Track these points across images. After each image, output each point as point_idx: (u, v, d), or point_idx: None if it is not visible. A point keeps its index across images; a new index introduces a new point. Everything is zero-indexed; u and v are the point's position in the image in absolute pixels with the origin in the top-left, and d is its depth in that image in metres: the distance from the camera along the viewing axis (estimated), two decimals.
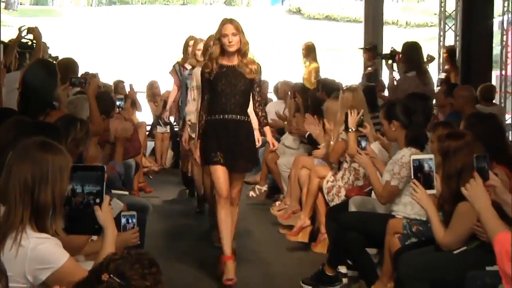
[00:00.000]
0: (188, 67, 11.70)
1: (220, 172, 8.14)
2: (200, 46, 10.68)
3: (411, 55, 13.13)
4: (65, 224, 4.32)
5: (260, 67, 8.54)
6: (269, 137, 8.66)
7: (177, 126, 14.52)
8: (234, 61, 8.16)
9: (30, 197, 4.04)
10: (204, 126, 8.42)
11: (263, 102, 9.24)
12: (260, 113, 8.55)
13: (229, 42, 7.92)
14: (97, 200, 4.30)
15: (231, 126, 8.24)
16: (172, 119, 15.00)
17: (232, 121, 8.23)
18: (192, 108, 10.23)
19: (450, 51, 14.66)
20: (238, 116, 8.24)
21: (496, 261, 4.56)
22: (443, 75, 16.24)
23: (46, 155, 4.19)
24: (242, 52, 8.14)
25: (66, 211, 4.31)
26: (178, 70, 12.54)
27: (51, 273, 4.01)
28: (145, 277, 3.42)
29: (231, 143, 8.20)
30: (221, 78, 8.14)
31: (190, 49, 11.71)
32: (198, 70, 9.53)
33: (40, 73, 8.25)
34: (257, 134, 9.18)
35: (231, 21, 8.15)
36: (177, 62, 12.88)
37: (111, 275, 3.32)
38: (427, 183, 6.37)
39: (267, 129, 8.63)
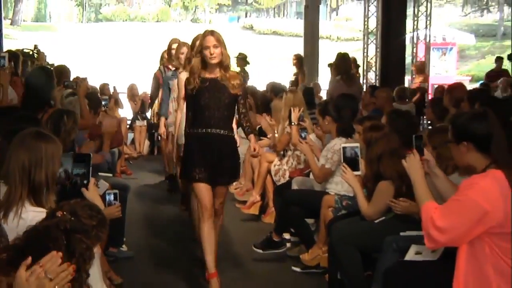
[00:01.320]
0: (172, 68, 10.56)
1: (202, 187, 6.82)
2: (183, 49, 9.30)
3: (339, 63, 13.37)
4: (58, 200, 4.32)
5: (242, 79, 7.49)
6: (252, 143, 7.17)
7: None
8: (216, 73, 6.84)
9: (27, 178, 4.05)
10: (187, 139, 7.12)
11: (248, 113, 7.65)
12: (244, 124, 7.20)
13: (211, 54, 6.68)
14: (85, 181, 4.31)
15: (215, 141, 6.89)
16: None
17: (216, 136, 6.87)
18: (173, 119, 8.89)
19: (299, 58, 14.70)
20: (222, 131, 6.89)
21: (421, 224, 4.52)
22: (293, 78, 16.27)
23: (40, 143, 4.22)
24: (224, 65, 6.86)
25: (59, 189, 4.32)
26: (162, 71, 11.43)
27: None
28: (92, 218, 3.55)
29: (215, 159, 6.84)
30: (204, 92, 6.82)
31: (173, 51, 10.24)
32: (181, 81, 7.99)
33: (40, 77, 8.28)
34: (237, 136, 7.92)
35: (212, 32, 6.87)
36: (162, 64, 11.70)
37: (64, 212, 3.44)
38: (354, 166, 6.46)
39: (251, 137, 7.19)
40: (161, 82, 11.31)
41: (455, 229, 4.38)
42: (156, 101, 12.28)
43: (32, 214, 4.01)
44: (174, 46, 10.16)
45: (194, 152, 6.87)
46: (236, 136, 7.81)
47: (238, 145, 7.49)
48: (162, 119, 10.01)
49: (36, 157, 4.17)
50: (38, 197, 4.05)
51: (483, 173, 4.51)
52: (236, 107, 7.08)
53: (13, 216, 3.92)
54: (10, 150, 4.25)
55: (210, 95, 6.81)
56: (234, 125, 7.78)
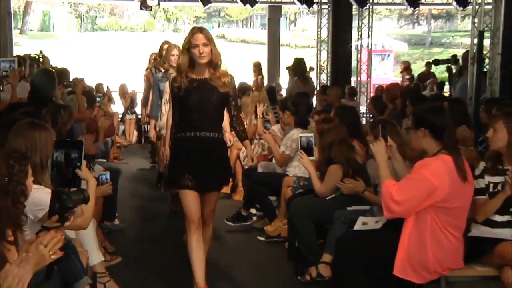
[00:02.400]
0: (163, 70, 8.99)
1: (190, 196, 5.53)
2: (175, 51, 8.06)
3: (296, 66, 13.44)
4: (55, 181, 4.30)
5: (233, 79, 5.90)
6: (249, 152, 6.08)
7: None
8: (205, 74, 5.48)
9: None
10: (174, 144, 5.74)
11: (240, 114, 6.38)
12: (238, 128, 5.86)
13: (200, 54, 5.32)
14: (78, 164, 4.27)
15: (204, 145, 5.53)
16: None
17: (204, 139, 5.51)
18: (165, 122, 7.43)
19: (258, 65, 14.65)
20: (211, 134, 5.54)
21: (381, 199, 4.65)
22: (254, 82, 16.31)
23: (34, 131, 4.21)
24: (213, 64, 5.46)
25: (56, 171, 4.29)
26: (154, 72, 9.57)
27: (44, 213, 3.95)
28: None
29: (203, 164, 5.51)
30: (192, 93, 5.45)
31: (164, 52, 8.82)
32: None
33: (44, 78, 8.21)
34: (227, 135, 7.26)
35: (201, 30, 5.50)
36: (154, 66, 10.03)
37: None
38: (309, 152, 6.48)
39: (246, 143, 6.02)
40: (152, 83, 9.64)
41: (409, 202, 4.50)
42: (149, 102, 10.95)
43: (32, 190, 3.97)
44: (165, 47, 8.92)
45: (182, 158, 5.55)
46: (227, 135, 7.39)
47: (230, 143, 6.90)
48: (152, 122, 8.53)
49: (31, 143, 4.14)
50: (34, 176, 3.99)
51: (434, 157, 4.61)
52: (227, 108, 5.75)
53: None
54: (9, 137, 4.21)
55: (198, 96, 5.45)
56: (227, 125, 6.66)
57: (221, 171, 5.66)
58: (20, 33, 39.20)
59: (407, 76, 17.77)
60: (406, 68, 18.52)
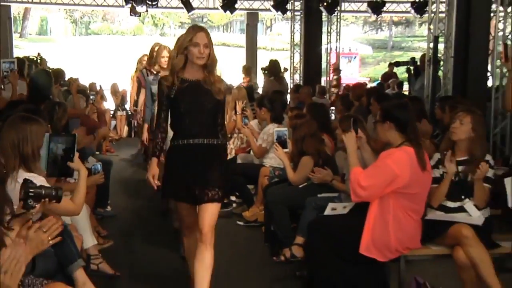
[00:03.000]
0: (154, 72, 8.08)
1: (186, 209, 4.76)
2: (165, 53, 7.32)
3: (271, 67, 13.44)
4: (50, 170, 4.28)
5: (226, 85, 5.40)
6: None
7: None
8: (199, 75, 4.67)
9: (17, 151, 3.97)
10: (168, 153, 4.83)
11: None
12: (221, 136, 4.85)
13: (200, 54, 4.55)
14: (71, 155, 4.24)
15: (199, 152, 4.66)
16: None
17: (199, 146, 4.65)
18: None
19: (246, 68, 14.50)
20: (206, 140, 4.66)
21: (349, 183, 4.72)
22: (245, 83, 16.28)
23: (25, 125, 4.13)
24: (209, 67, 4.68)
25: (51, 162, 4.27)
26: (144, 74, 8.47)
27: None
28: None
29: (200, 172, 4.63)
30: (184, 96, 4.60)
31: (162, 60, 7.71)
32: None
33: (42, 78, 8.19)
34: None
35: (203, 29, 4.75)
36: (144, 67, 8.92)
37: None
38: (284, 145, 6.49)
39: None
40: (143, 85, 8.74)
41: (373, 187, 4.56)
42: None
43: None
44: (156, 49, 8.00)
45: (177, 168, 4.68)
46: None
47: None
48: (146, 125, 7.54)
49: (23, 135, 4.08)
50: (27, 165, 3.97)
51: (398, 148, 4.66)
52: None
53: (11, 180, 3.82)
54: (3, 130, 4.17)
55: (191, 99, 4.60)
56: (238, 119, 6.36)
57: (219, 179, 4.68)
58: (19, 36, 38.88)
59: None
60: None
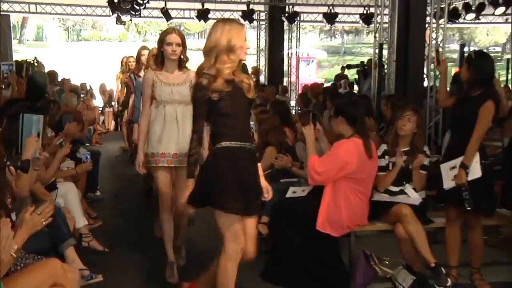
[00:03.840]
0: (142, 74, 7.12)
1: (239, 224, 3.70)
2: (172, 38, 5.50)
3: (242, 69, 13.34)
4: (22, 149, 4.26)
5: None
6: (261, 175, 4.15)
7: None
8: (233, 76, 3.71)
9: None
10: (214, 155, 3.69)
11: None
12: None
13: (245, 53, 3.75)
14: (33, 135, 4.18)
15: (247, 157, 3.75)
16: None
17: (246, 151, 3.75)
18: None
19: (256, 70, 14.58)
20: (248, 144, 3.76)
21: (307, 169, 4.76)
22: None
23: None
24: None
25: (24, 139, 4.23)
26: (133, 79, 7.68)
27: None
28: None
29: (249, 183, 3.73)
30: (229, 97, 3.65)
31: (142, 58, 7.37)
32: (148, 80, 4.87)
33: (38, 78, 8.10)
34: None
35: (241, 27, 3.79)
36: (133, 72, 8.03)
37: None
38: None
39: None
40: (132, 90, 7.80)
41: (327, 173, 4.61)
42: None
43: None
44: (143, 52, 7.42)
45: (227, 174, 3.62)
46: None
47: None
48: (136, 126, 6.49)
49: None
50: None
51: (348, 139, 4.70)
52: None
53: None
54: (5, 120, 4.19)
55: (232, 100, 3.66)
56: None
57: (260, 192, 3.87)
58: (18, 42, 38.30)
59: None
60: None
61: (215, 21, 4.22)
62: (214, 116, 3.69)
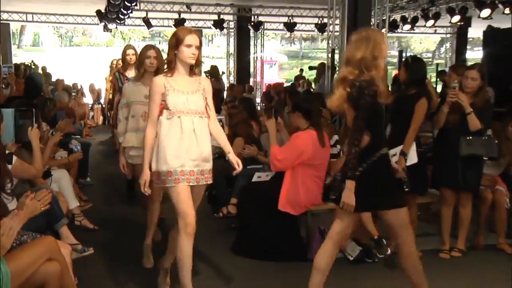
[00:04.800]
0: (131, 74, 6.07)
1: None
2: (151, 53, 4.59)
3: (212, 71, 13.35)
4: (17, 138, 4.30)
5: None
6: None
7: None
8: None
9: None
10: (379, 163, 3.26)
11: None
12: None
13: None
14: (31, 127, 4.16)
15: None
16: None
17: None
18: (122, 129, 4.59)
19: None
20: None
21: (270, 158, 4.78)
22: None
23: None
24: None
25: (17, 130, 4.22)
26: (118, 78, 6.55)
27: (11, 167, 3.83)
28: None
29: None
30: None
31: (127, 57, 6.23)
32: (130, 86, 4.54)
33: (35, 79, 7.93)
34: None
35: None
36: (118, 71, 6.95)
37: None
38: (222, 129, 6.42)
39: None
40: (116, 89, 6.84)
41: (286, 160, 4.64)
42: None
43: None
44: (129, 52, 6.33)
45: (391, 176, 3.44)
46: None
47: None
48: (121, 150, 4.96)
49: None
50: None
51: (304, 131, 4.73)
52: None
53: None
54: None
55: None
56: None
57: None
58: (17, 47, 37.46)
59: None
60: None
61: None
62: (376, 120, 3.27)
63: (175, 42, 3.52)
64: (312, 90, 12.98)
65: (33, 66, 13.45)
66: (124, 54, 6.41)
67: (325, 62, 10.91)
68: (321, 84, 11.65)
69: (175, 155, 3.47)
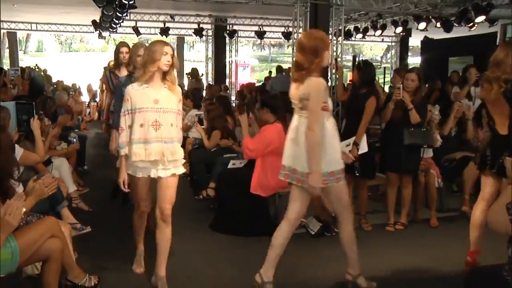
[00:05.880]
0: (123, 73, 4.70)
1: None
2: (141, 52, 3.81)
3: (193, 73, 13.24)
4: (19, 128, 4.18)
5: None
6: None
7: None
8: None
9: None
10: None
11: None
12: None
13: None
14: (31, 118, 4.07)
15: None
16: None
17: None
18: (125, 139, 3.24)
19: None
20: None
21: (242, 147, 4.75)
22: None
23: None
24: None
25: (20, 121, 4.13)
26: (108, 77, 5.23)
27: (19, 157, 3.75)
28: None
29: None
30: None
31: (120, 55, 4.94)
32: (135, 89, 3.18)
33: (38, 79, 7.77)
34: None
35: None
36: (108, 69, 5.70)
37: None
38: (201, 123, 6.39)
39: None
40: (107, 89, 5.83)
41: (257, 150, 4.62)
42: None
43: None
44: (123, 50, 4.92)
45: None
46: None
47: None
48: (115, 133, 4.08)
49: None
50: None
51: (272, 124, 4.74)
52: None
53: None
54: None
55: None
56: None
57: None
58: (23, 53, 36.58)
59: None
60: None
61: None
62: None
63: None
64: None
65: (37, 69, 13.15)
66: (117, 51, 5.05)
67: (272, 69, 10.95)
68: (271, 84, 11.75)
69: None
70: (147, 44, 3.44)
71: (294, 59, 11.02)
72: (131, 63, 4.06)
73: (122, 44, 5.05)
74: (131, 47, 4.43)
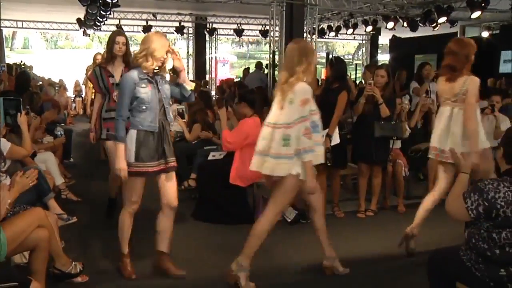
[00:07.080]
0: (118, 69, 4.05)
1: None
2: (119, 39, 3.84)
3: (175, 69, 13.12)
4: (6, 122, 4.08)
5: None
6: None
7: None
8: None
9: None
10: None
11: None
12: None
13: None
14: (19, 113, 3.97)
15: None
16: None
17: None
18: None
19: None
20: None
21: (221, 140, 4.73)
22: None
23: None
24: None
25: (7, 115, 4.04)
26: (98, 75, 4.09)
27: (7, 152, 3.67)
28: None
29: None
30: None
31: (116, 47, 4.00)
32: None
33: (24, 76, 7.60)
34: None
35: None
36: (98, 66, 4.24)
37: None
38: (182, 117, 6.37)
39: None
40: (97, 90, 4.30)
41: (235, 142, 4.60)
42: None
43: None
44: (118, 39, 4.07)
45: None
46: None
47: None
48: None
49: None
50: None
51: (250, 118, 4.71)
52: None
53: None
54: None
55: None
56: None
57: None
58: (10, 50, 35.65)
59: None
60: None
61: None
62: None
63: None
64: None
65: (23, 66, 12.86)
66: (111, 42, 4.02)
67: (268, 62, 10.91)
68: (247, 80, 11.76)
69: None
70: (130, 41, 3.61)
71: (271, 55, 10.89)
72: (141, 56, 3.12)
73: (118, 33, 4.09)
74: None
